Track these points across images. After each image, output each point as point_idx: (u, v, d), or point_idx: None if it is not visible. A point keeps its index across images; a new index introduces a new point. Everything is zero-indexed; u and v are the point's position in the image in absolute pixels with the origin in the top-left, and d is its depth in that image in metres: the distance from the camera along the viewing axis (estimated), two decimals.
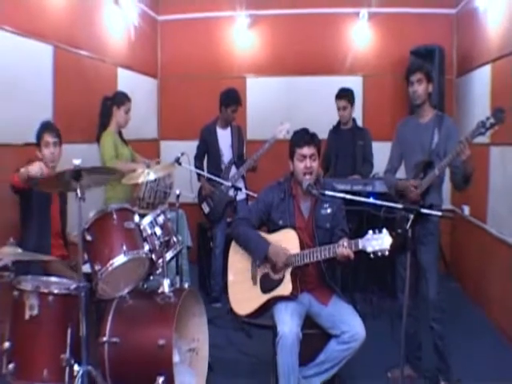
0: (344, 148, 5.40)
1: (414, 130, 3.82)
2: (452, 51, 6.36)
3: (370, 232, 3.07)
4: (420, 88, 3.71)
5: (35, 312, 2.97)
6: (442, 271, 4.54)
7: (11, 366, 2.91)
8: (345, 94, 5.33)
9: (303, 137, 3.45)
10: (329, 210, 3.48)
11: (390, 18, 6.52)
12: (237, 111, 5.36)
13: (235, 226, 3.60)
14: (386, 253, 3.02)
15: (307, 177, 3.40)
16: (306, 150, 3.40)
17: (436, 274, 3.73)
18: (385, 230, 3.05)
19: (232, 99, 5.29)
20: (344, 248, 3.12)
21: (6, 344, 2.94)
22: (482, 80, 5.29)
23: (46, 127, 3.72)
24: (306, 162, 3.40)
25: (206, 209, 5.42)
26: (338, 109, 5.37)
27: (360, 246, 3.08)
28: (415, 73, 3.72)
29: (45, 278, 3.27)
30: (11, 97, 3.95)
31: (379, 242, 3.03)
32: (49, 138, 3.68)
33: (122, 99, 4.70)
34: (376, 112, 6.43)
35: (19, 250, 2.91)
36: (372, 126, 5.80)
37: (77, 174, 2.89)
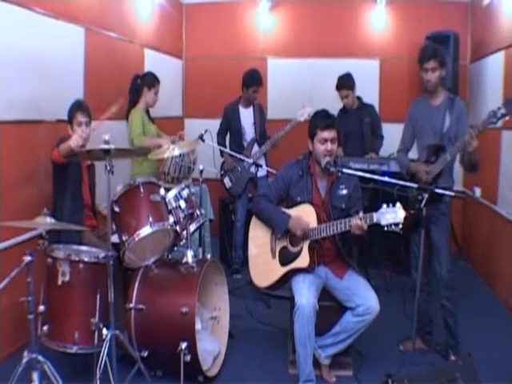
0: (352, 128, 5.26)
1: (426, 112, 3.71)
2: (466, 37, 6.20)
3: (384, 206, 3.02)
4: (434, 76, 3.58)
5: (67, 278, 3.01)
6: (453, 251, 4.47)
7: (45, 327, 2.97)
8: (343, 84, 5.18)
9: (325, 120, 3.37)
10: (344, 192, 3.43)
11: (406, 3, 6.36)
12: (258, 91, 5.29)
13: (256, 201, 3.56)
14: (400, 226, 2.96)
15: (327, 158, 3.35)
16: (328, 134, 3.34)
17: (447, 253, 3.67)
18: (398, 204, 2.99)
19: (253, 80, 5.23)
20: (358, 219, 3.07)
21: (41, 307, 2.99)
22: (495, 66, 5.17)
23: (78, 107, 3.67)
24: (327, 145, 3.34)
25: (227, 184, 5.38)
26: (341, 98, 5.24)
27: (374, 219, 3.03)
28: (429, 61, 3.55)
29: (76, 247, 3.30)
30: (45, 76, 3.91)
31: (393, 215, 2.97)
32: (81, 117, 3.63)
33: (152, 81, 4.67)
34: (392, 94, 6.29)
35: (53, 220, 2.91)
36: (388, 107, 5.74)
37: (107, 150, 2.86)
